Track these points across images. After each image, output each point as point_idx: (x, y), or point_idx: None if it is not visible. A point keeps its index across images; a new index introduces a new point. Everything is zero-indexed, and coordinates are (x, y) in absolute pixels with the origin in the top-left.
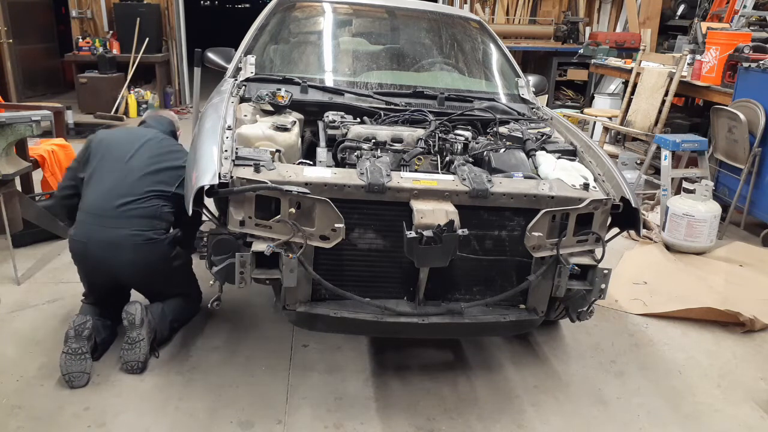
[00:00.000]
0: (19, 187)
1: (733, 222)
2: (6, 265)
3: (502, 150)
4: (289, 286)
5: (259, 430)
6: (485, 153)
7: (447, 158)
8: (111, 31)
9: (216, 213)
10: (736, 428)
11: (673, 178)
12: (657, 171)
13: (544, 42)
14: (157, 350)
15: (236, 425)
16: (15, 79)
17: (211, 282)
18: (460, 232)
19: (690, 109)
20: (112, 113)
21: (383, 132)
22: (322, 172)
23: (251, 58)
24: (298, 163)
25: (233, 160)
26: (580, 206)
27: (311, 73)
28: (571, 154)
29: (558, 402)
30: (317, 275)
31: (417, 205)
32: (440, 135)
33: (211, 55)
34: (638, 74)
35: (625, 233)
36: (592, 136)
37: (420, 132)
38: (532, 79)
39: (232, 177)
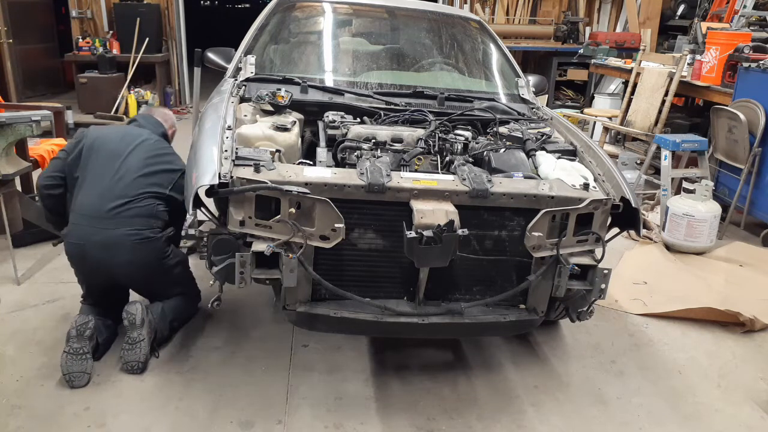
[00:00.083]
0: (19, 187)
1: (733, 222)
2: (6, 265)
3: (502, 150)
4: (289, 286)
5: (259, 430)
6: (485, 153)
7: (447, 158)
8: (111, 31)
9: (216, 213)
10: (736, 428)
11: (673, 178)
12: (657, 171)
13: (544, 42)
14: (157, 350)
15: (236, 425)
16: (15, 79)
17: (211, 282)
18: (460, 232)
19: (690, 109)
20: (112, 113)
21: (383, 132)
22: (322, 172)
23: (251, 58)
24: (298, 163)
25: (233, 160)
26: (580, 206)
27: (311, 73)
28: (571, 154)
29: (558, 402)
30: (317, 275)
31: (417, 205)
32: (440, 135)
33: (211, 55)
34: (638, 74)
35: (625, 233)
36: (592, 136)
37: (420, 132)
38: (532, 79)
39: (232, 177)
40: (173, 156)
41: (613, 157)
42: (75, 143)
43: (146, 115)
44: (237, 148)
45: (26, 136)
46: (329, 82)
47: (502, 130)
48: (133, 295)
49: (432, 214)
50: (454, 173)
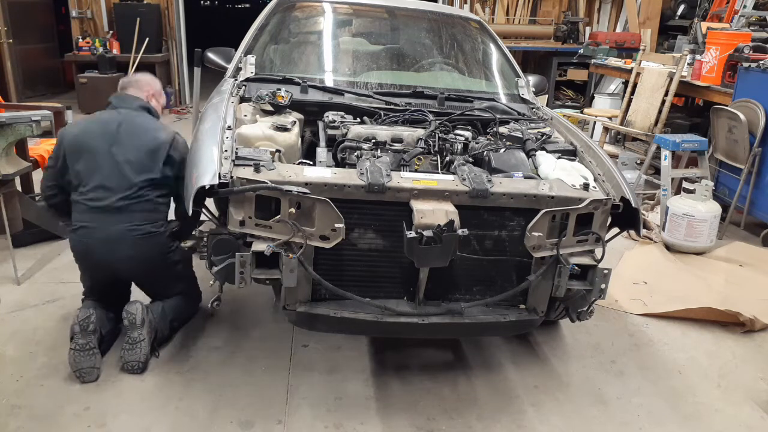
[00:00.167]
0: (19, 187)
1: (733, 222)
2: (6, 265)
3: (502, 150)
4: (289, 286)
5: (259, 430)
6: (485, 153)
7: (447, 158)
8: (111, 31)
9: (216, 213)
10: (736, 428)
11: (673, 178)
12: (657, 171)
13: (544, 42)
14: (158, 350)
15: (236, 425)
16: (15, 79)
17: (211, 282)
18: (460, 232)
19: (690, 109)
20: None
21: (383, 132)
22: (322, 172)
23: (251, 58)
24: (298, 163)
25: (233, 160)
26: (580, 206)
27: (311, 73)
28: (571, 154)
29: (558, 402)
30: (317, 275)
31: (417, 205)
32: (440, 135)
33: (211, 55)
34: (638, 74)
35: (625, 233)
36: (592, 136)
37: (420, 132)
38: (532, 79)
39: (232, 177)
40: (153, 130)
41: (613, 157)
42: (56, 149)
43: (120, 95)
44: (237, 148)
45: (26, 136)
46: (329, 82)
47: (502, 130)
48: (135, 294)
49: (432, 214)
50: (454, 173)
